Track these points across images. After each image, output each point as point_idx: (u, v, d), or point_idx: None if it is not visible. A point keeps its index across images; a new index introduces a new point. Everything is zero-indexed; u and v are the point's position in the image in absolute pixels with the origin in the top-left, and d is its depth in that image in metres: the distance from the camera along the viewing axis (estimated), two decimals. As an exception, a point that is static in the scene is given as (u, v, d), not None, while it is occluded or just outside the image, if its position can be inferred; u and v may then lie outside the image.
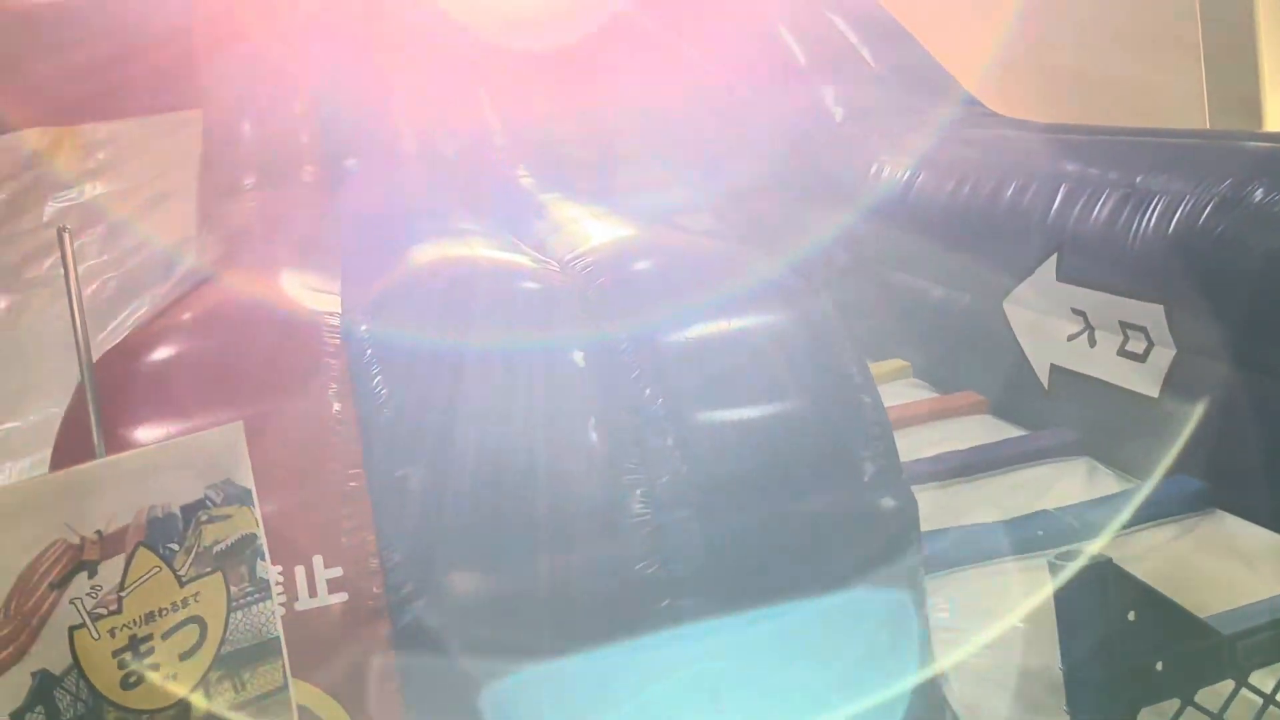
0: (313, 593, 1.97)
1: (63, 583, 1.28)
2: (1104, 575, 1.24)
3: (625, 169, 5.67)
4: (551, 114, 5.55)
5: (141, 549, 1.36)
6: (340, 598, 1.99)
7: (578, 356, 2.37)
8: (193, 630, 1.40)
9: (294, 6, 5.05)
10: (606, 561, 2.19)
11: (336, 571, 1.99)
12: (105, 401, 2.27)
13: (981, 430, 3.56)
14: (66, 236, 1.39)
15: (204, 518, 1.43)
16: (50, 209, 5.09)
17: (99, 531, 1.32)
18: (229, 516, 1.45)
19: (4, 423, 3.84)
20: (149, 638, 1.35)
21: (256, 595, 1.49)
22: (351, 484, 2.09)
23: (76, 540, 1.30)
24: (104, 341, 4.40)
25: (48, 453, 3.64)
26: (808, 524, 2.16)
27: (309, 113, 4.40)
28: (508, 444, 2.20)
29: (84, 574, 1.31)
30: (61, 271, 4.81)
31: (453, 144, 4.42)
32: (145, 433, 2.11)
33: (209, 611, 1.42)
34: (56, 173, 5.39)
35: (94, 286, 4.69)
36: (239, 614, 1.46)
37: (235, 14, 5.15)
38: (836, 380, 2.44)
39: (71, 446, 2.12)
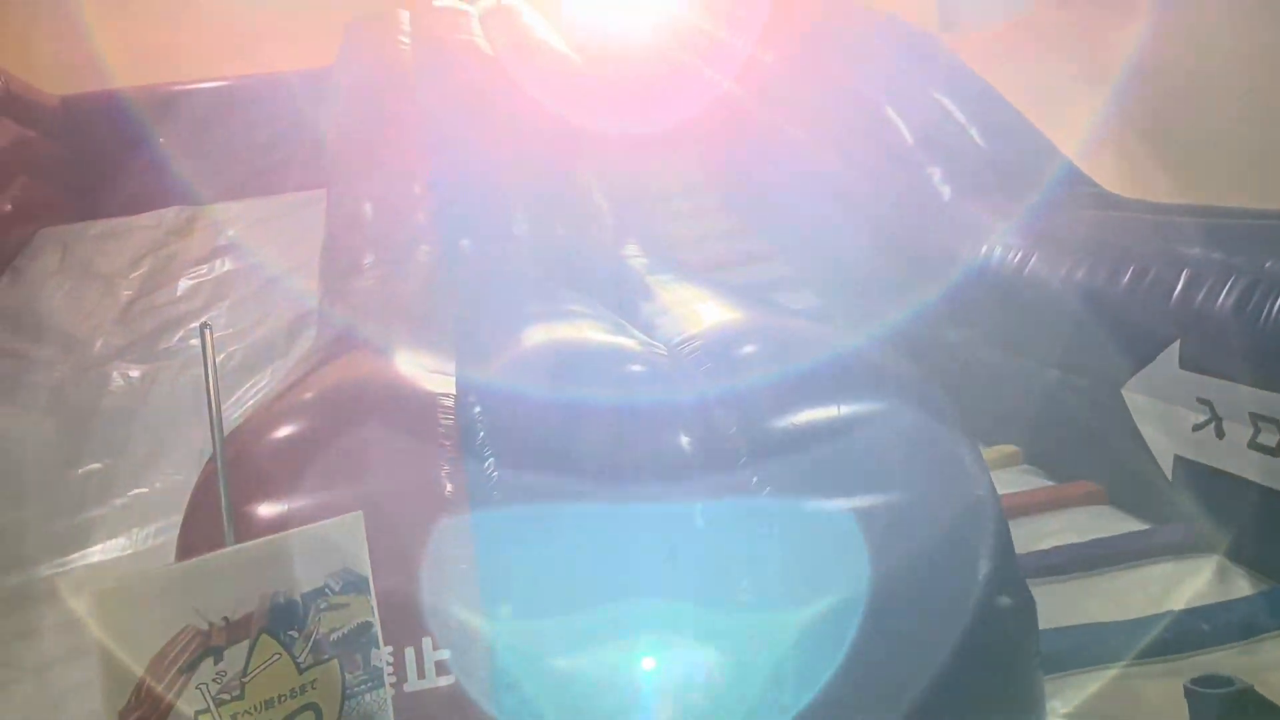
0: (421, 674, 1.99)
1: (191, 668, 1.33)
2: (1245, 704, 1.17)
3: (729, 244, 5.72)
4: (657, 193, 5.66)
5: (264, 635, 1.40)
6: (448, 680, 2.01)
7: (684, 442, 2.37)
8: (308, 717, 1.43)
9: (411, 94, 5.29)
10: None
11: (445, 654, 2.01)
12: (230, 479, 2.36)
13: (1100, 522, 3.42)
14: (208, 334, 1.46)
15: (323, 605, 1.46)
16: (183, 285, 5.36)
17: (226, 618, 1.37)
18: (347, 605, 1.49)
19: (133, 489, 4.01)
20: (268, 724, 1.38)
21: (370, 683, 1.51)
22: (462, 566, 2.12)
23: (205, 626, 1.34)
24: (228, 411, 4.60)
25: (173, 519, 3.79)
26: (919, 622, 2.10)
27: (425, 194, 4.56)
28: (614, 531, 2.21)
29: (210, 659, 1.35)
30: (191, 343, 5.00)
31: (562, 224, 4.53)
32: (266, 509, 2.18)
33: (325, 699, 1.45)
34: (190, 249, 5.71)
35: (220, 358, 4.88)
36: (352, 702, 1.48)
37: (358, 101, 5.42)
38: (948, 469, 2.38)
39: (200, 523, 2.21)
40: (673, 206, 5.56)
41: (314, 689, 1.44)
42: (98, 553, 3.70)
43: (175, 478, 4.05)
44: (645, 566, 2.22)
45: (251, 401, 4.47)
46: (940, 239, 4.73)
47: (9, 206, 5.68)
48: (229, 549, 1.42)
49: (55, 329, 5.05)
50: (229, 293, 5.30)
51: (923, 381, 2.65)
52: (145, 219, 5.97)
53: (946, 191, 4.92)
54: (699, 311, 3.17)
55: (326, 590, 1.47)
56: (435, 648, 2.01)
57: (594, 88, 5.50)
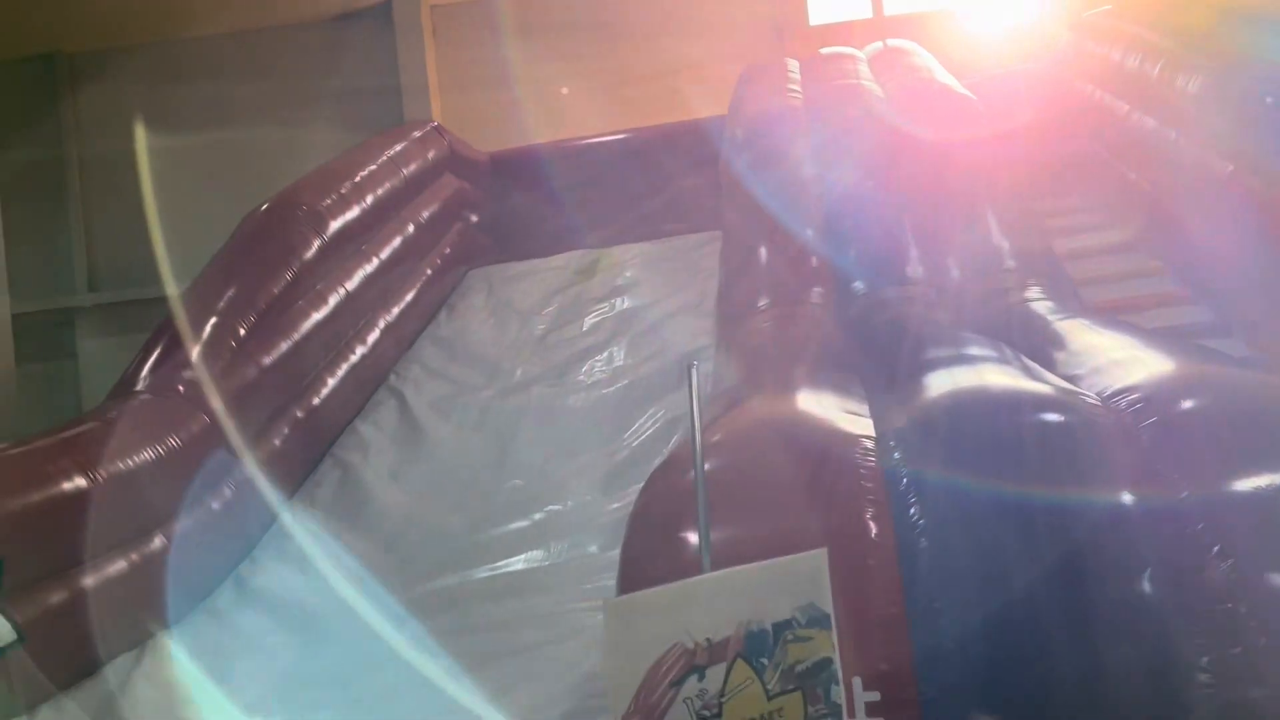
0: (851, 714, 1.99)
1: (679, 682, 1.44)
2: None
3: (1139, 285, 5.28)
4: (1059, 231, 5.36)
5: (739, 660, 1.48)
6: (878, 723, 2.00)
7: (1127, 499, 2.22)
8: (774, 743, 1.48)
9: (802, 138, 5.41)
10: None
11: (874, 696, 2.01)
12: (661, 508, 2.52)
13: None
14: (694, 371, 1.58)
15: (790, 637, 1.52)
16: (588, 321, 5.82)
17: (708, 639, 1.46)
18: (811, 638, 1.54)
19: (548, 505, 4.37)
20: (739, 744, 1.46)
21: (829, 718, 1.55)
22: (891, 609, 2.11)
23: (691, 645, 1.44)
24: (627, 440, 4.92)
25: (581, 536, 4.11)
26: None
27: (818, 237, 4.63)
28: (1050, 586, 2.11)
29: (694, 677, 1.45)
30: (595, 370, 5.27)
31: (959, 266, 4.41)
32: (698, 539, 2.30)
33: (789, 727, 1.50)
34: (594, 289, 6.21)
35: (621, 385, 5.22)
36: (813, 734, 1.52)
37: (750, 147, 5.62)
38: None
39: (640, 546, 2.39)
40: (1076, 245, 5.23)
41: (780, 716, 1.50)
42: (520, 562, 4.07)
43: (585, 498, 4.37)
44: (1079, 631, 2.10)
45: (649, 432, 4.73)
46: None
47: (448, 249, 6.47)
48: (715, 574, 1.52)
49: (482, 357, 5.67)
50: (627, 329, 5.67)
51: None
52: (556, 260, 6.58)
53: None
54: (1127, 360, 2.96)
55: (793, 622, 1.53)
56: (866, 688, 2.01)
57: (990, 125, 5.32)
